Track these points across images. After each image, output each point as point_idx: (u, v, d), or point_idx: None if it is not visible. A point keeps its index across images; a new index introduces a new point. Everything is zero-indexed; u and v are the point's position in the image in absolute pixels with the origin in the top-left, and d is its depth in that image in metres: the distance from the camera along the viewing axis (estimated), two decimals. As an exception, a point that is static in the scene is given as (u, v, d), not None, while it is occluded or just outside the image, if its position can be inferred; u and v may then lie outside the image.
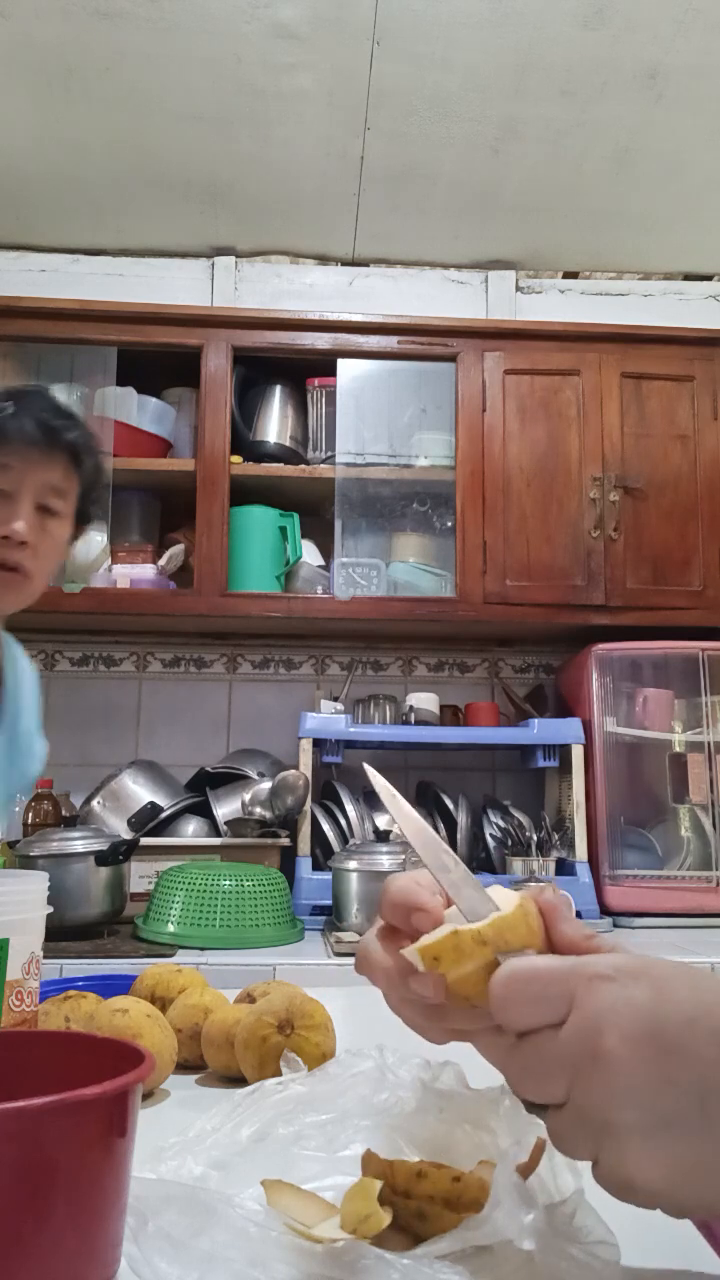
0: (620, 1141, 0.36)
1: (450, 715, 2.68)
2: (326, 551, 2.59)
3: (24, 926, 0.65)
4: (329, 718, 2.45)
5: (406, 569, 2.55)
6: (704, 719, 2.41)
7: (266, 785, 2.24)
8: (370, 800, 2.50)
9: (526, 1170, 0.44)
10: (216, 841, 2.23)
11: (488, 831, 2.48)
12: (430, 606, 2.48)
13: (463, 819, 2.48)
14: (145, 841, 2.14)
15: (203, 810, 2.35)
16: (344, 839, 2.37)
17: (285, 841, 2.27)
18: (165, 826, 2.30)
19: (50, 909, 0.69)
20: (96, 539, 2.46)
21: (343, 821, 2.41)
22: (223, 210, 2.75)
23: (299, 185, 2.65)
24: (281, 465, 2.55)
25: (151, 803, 2.31)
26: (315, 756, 2.41)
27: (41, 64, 2.24)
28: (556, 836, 2.44)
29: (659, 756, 2.45)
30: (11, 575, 1.25)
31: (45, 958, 0.70)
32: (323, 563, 2.59)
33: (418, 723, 2.56)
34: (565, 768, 2.49)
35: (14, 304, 2.53)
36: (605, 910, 2.32)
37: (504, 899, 0.45)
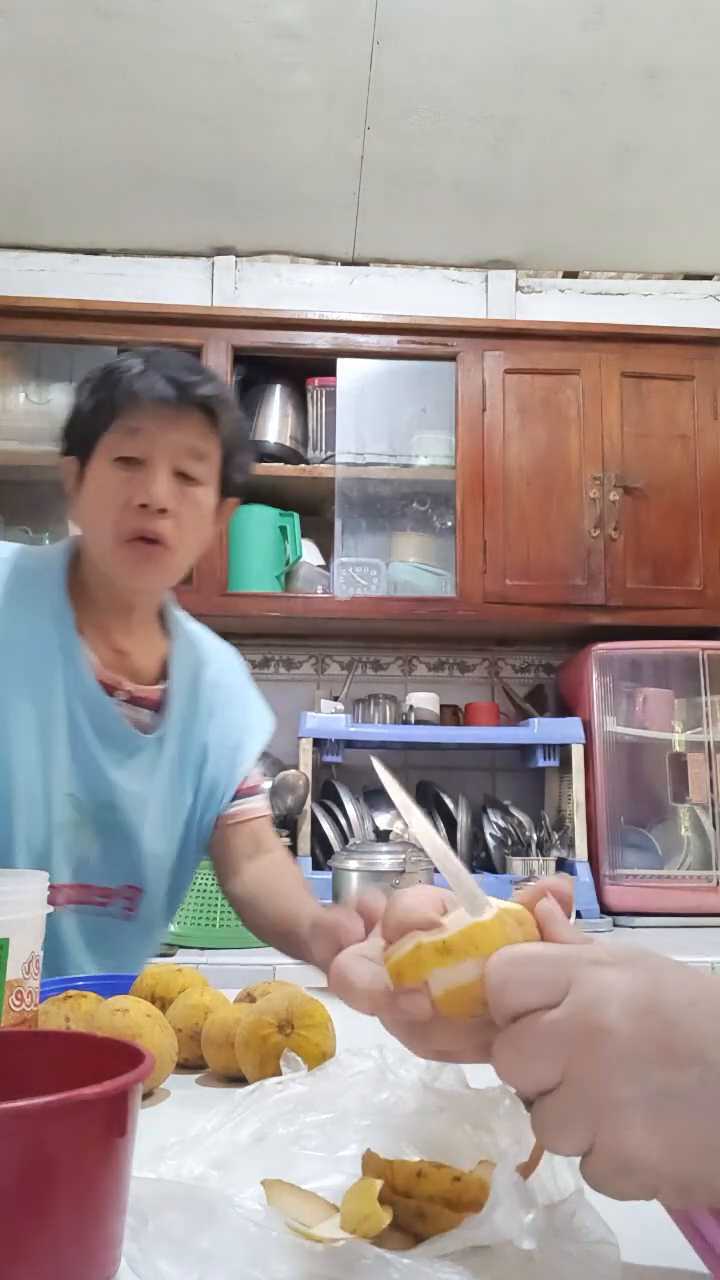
0: (620, 1117, 0.36)
1: (450, 715, 2.68)
2: (326, 551, 2.59)
3: (24, 926, 0.65)
4: (329, 717, 2.45)
5: (406, 569, 2.55)
6: (704, 719, 2.41)
7: (266, 785, 2.24)
8: (370, 800, 2.50)
9: (526, 1170, 0.44)
10: (216, 841, 2.23)
11: (488, 831, 2.48)
12: (430, 606, 2.48)
13: (463, 819, 2.48)
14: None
15: (203, 810, 2.35)
16: (344, 838, 2.37)
17: (285, 841, 2.27)
18: (165, 826, 2.30)
19: (50, 909, 0.69)
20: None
21: (343, 821, 2.41)
22: (223, 210, 2.75)
23: (299, 185, 2.65)
24: (281, 465, 2.55)
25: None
26: (315, 756, 2.41)
27: (42, 64, 2.24)
28: (556, 836, 2.44)
29: (659, 756, 2.45)
30: (151, 548, 1.11)
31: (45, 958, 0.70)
32: (323, 562, 2.59)
33: (418, 722, 2.56)
34: (565, 767, 2.49)
35: (14, 304, 2.53)
36: (605, 910, 2.32)
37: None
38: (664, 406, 2.59)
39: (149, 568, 1.13)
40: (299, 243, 2.92)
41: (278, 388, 2.63)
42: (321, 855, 2.35)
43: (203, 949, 1.87)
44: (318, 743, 2.41)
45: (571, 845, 2.40)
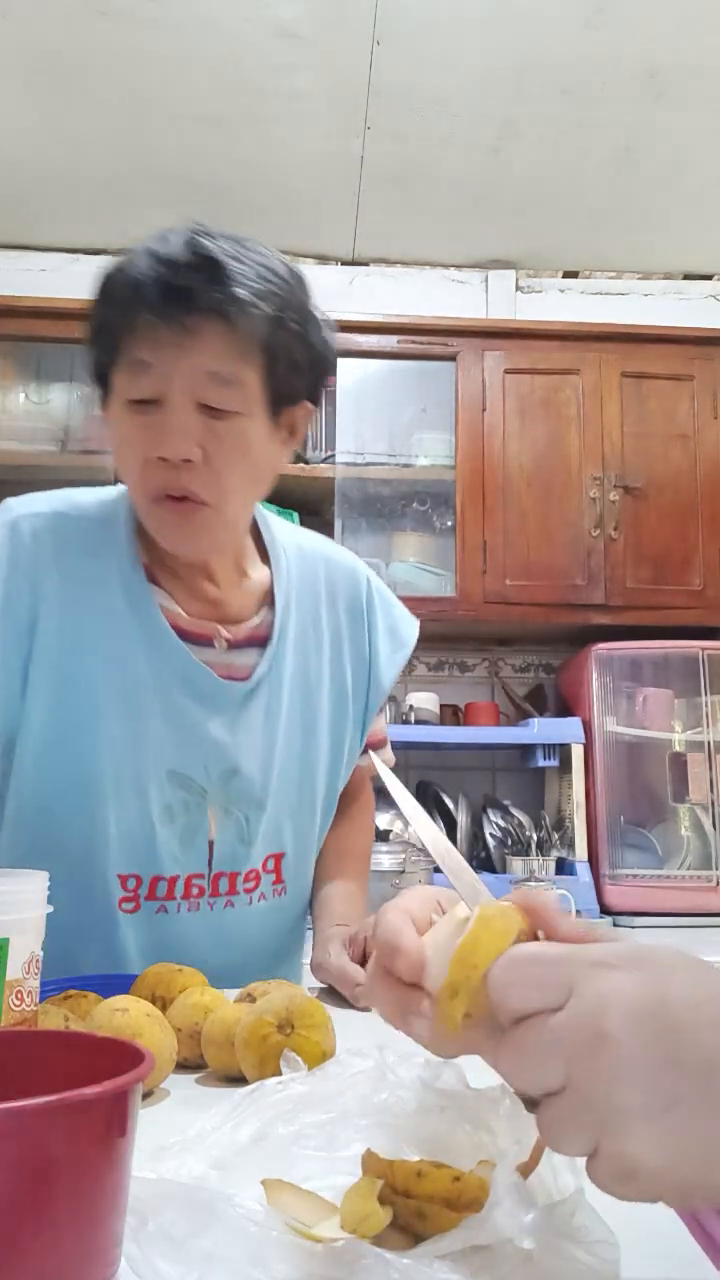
0: (624, 1124, 0.36)
1: (450, 715, 2.68)
2: (326, 551, 2.59)
3: (24, 926, 0.65)
4: (329, 717, 2.44)
5: (406, 568, 2.55)
6: (704, 719, 2.41)
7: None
8: (370, 800, 2.50)
9: (526, 1170, 0.44)
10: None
11: (488, 831, 2.48)
12: (430, 606, 2.48)
13: (463, 819, 2.48)
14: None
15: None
16: (344, 839, 2.37)
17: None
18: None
19: (50, 908, 0.69)
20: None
21: (343, 821, 2.41)
22: (222, 210, 2.75)
23: (299, 185, 2.65)
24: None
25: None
26: (315, 756, 2.41)
27: (42, 64, 2.24)
28: (556, 836, 2.44)
29: (659, 756, 2.45)
30: (182, 506, 0.92)
31: (45, 957, 0.70)
32: (323, 562, 2.59)
33: (417, 722, 2.56)
34: (565, 767, 2.48)
35: (14, 304, 2.53)
36: (605, 910, 2.32)
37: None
38: (664, 406, 2.59)
39: (184, 528, 0.94)
40: (299, 243, 2.92)
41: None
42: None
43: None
44: (318, 743, 2.41)
45: (571, 845, 2.40)
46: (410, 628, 1.20)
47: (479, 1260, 0.40)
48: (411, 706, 2.58)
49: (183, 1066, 0.76)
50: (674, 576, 2.53)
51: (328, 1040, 0.71)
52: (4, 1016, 0.63)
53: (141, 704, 0.99)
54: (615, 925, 2.28)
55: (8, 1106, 0.35)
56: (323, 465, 2.56)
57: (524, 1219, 0.40)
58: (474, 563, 2.49)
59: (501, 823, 2.48)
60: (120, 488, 1.04)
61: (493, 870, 2.43)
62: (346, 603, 1.14)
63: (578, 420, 2.57)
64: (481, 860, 2.48)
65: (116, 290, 0.91)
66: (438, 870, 2.23)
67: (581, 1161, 0.38)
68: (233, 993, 0.83)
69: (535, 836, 2.39)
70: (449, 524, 2.55)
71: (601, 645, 2.46)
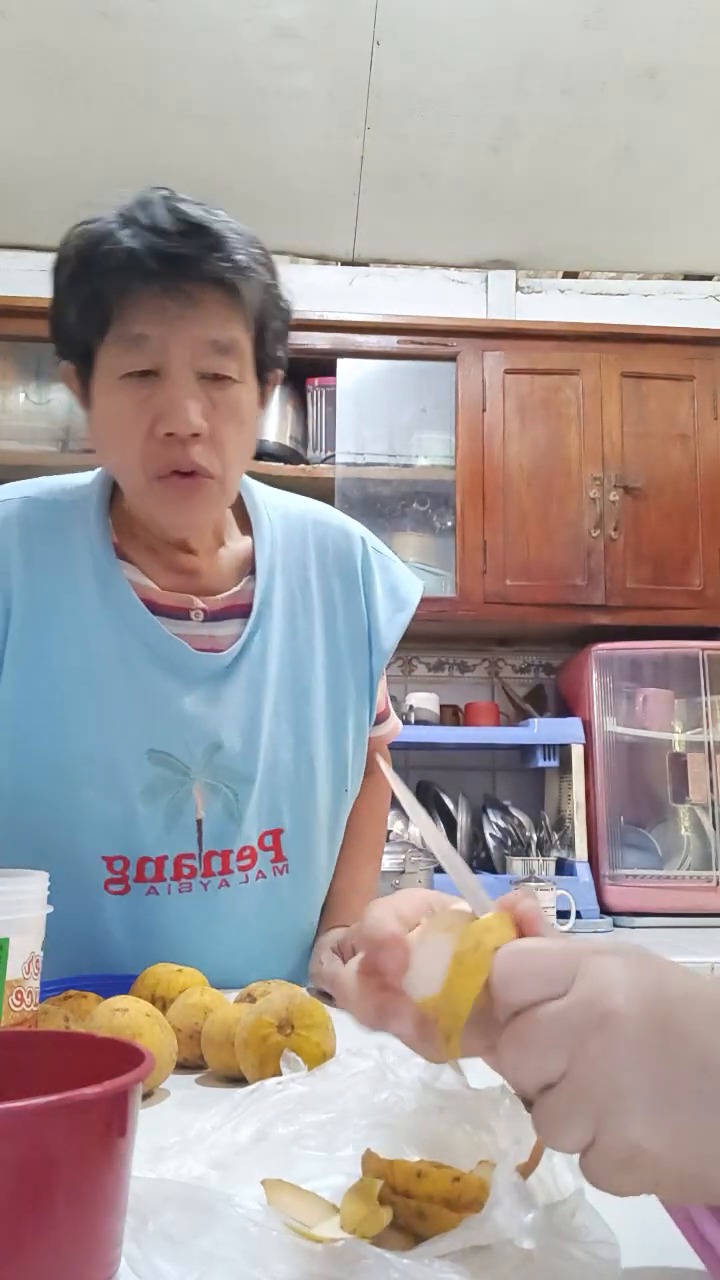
0: (625, 1106, 0.36)
1: (450, 715, 2.68)
2: (326, 551, 2.59)
3: (24, 926, 0.65)
4: (329, 717, 2.44)
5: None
6: (704, 719, 2.41)
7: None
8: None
9: (526, 1170, 0.44)
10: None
11: (488, 831, 2.48)
12: (430, 606, 2.48)
13: (463, 819, 2.48)
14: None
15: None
16: (344, 839, 2.37)
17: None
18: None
19: (50, 908, 0.69)
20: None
21: (343, 821, 2.41)
22: (222, 210, 2.75)
23: (299, 185, 2.65)
24: (281, 465, 2.55)
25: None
26: (315, 756, 2.41)
27: (42, 64, 2.24)
28: (556, 836, 2.44)
29: (659, 756, 2.45)
30: (189, 480, 0.90)
31: (45, 957, 0.70)
32: (323, 562, 2.59)
33: (417, 722, 2.56)
34: (565, 767, 2.49)
35: (14, 304, 2.53)
36: (605, 910, 2.32)
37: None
38: (664, 406, 2.59)
39: (191, 504, 0.92)
40: (299, 243, 2.92)
41: (277, 387, 2.63)
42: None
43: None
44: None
45: (571, 845, 2.40)
46: (412, 587, 1.16)
47: (479, 1260, 0.40)
48: (411, 706, 2.58)
49: (183, 1066, 0.76)
50: (674, 576, 2.53)
51: (328, 1040, 0.71)
52: (4, 1016, 0.63)
53: (108, 682, 0.96)
54: (615, 925, 2.28)
55: (8, 1106, 0.35)
56: (323, 465, 2.56)
57: (524, 1219, 0.40)
58: (474, 563, 2.49)
59: (501, 823, 2.48)
60: (95, 472, 1.03)
61: (493, 870, 2.43)
62: (338, 565, 1.10)
63: (578, 420, 2.57)
64: (481, 860, 2.48)
65: (105, 261, 0.86)
66: (439, 870, 2.24)
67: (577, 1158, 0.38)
68: (233, 993, 0.83)
69: (535, 837, 2.39)
70: (449, 524, 2.55)
71: (601, 645, 2.46)
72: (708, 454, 2.57)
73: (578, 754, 2.43)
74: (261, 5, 2.07)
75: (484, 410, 2.56)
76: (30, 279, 2.88)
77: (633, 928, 2.26)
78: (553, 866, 2.35)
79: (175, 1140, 0.52)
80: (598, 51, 2.18)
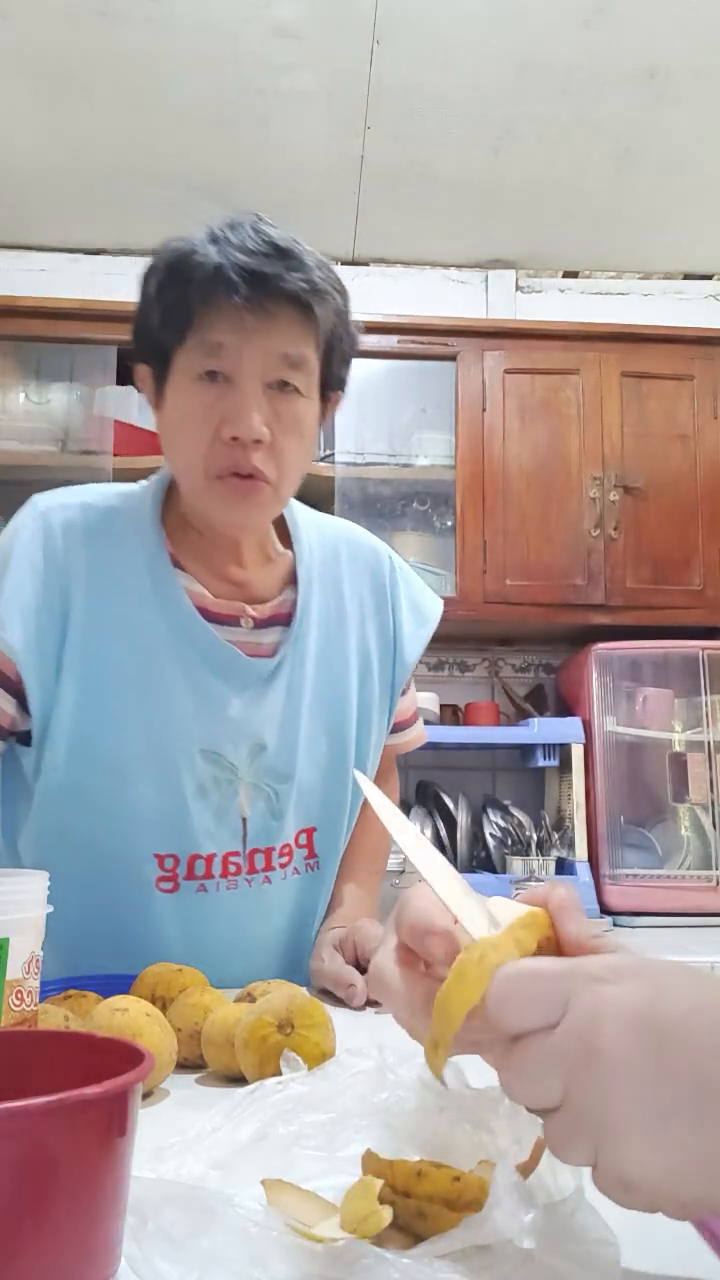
0: (619, 1139, 0.36)
1: (450, 715, 2.68)
2: (326, 551, 2.59)
3: (24, 926, 0.65)
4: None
5: (406, 569, 2.55)
6: (704, 719, 2.41)
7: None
8: (370, 800, 2.50)
9: (526, 1170, 0.44)
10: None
11: (488, 831, 2.48)
12: (430, 606, 2.48)
13: (463, 819, 2.48)
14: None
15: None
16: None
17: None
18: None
19: (50, 908, 0.69)
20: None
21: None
22: (222, 209, 2.75)
23: (299, 185, 2.65)
24: (281, 465, 2.55)
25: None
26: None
27: (43, 64, 2.24)
28: (556, 836, 2.44)
29: (659, 756, 2.45)
30: (246, 483, 0.96)
31: (45, 957, 0.70)
32: (323, 562, 2.59)
33: (418, 722, 2.56)
34: (565, 767, 2.49)
35: (14, 304, 2.53)
36: (605, 910, 2.32)
37: (507, 911, 0.45)
38: (664, 406, 2.59)
39: (246, 505, 0.98)
40: (299, 243, 2.92)
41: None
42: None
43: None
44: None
45: (571, 845, 2.40)
46: (433, 604, 1.24)
47: (479, 1260, 0.40)
48: (411, 706, 2.58)
49: (183, 1066, 0.76)
50: (674, 576, 2.53)
51: (328, 1040, 0.71)
52: (4, 1016, 0.63)
53: (169, 685, 1.01)
54: (615, 925, 2.28)
55: (8, 1106, 0.35)
56: (323, 465, 2.56)
57: (524, 1219, 0.40)
58: (474, 563, 2.49)
59: (501, 823, 2.48)
60: (150, 480, 1.09)
61: (493, 870, 2.43)
62: (369, 581, 1.17)
63: (578, 420, 2.57)
64: (481, 860, 2.48)
65: (192, 273, 0.93)
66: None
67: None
68: (233, 993, 0.83)
69: (535, 836, 2.39)
70: (449, 524, 2.55)
71: (601, 645, 2.46)
72: (708, 454, 2.57)
73: (578, 754, 2.43)
74: (261, 5, 2.07)
75: (484, 410, 2.56)
76: (30, 279, 2.88)
77: (632, 928, 2.26)
78: (553, 866, 2.35)
79: (175, 1140, 0.52)
80: (598, 51, 2.18)
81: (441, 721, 2.63)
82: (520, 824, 2.46)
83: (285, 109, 2.37)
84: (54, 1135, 0.36)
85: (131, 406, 2.51)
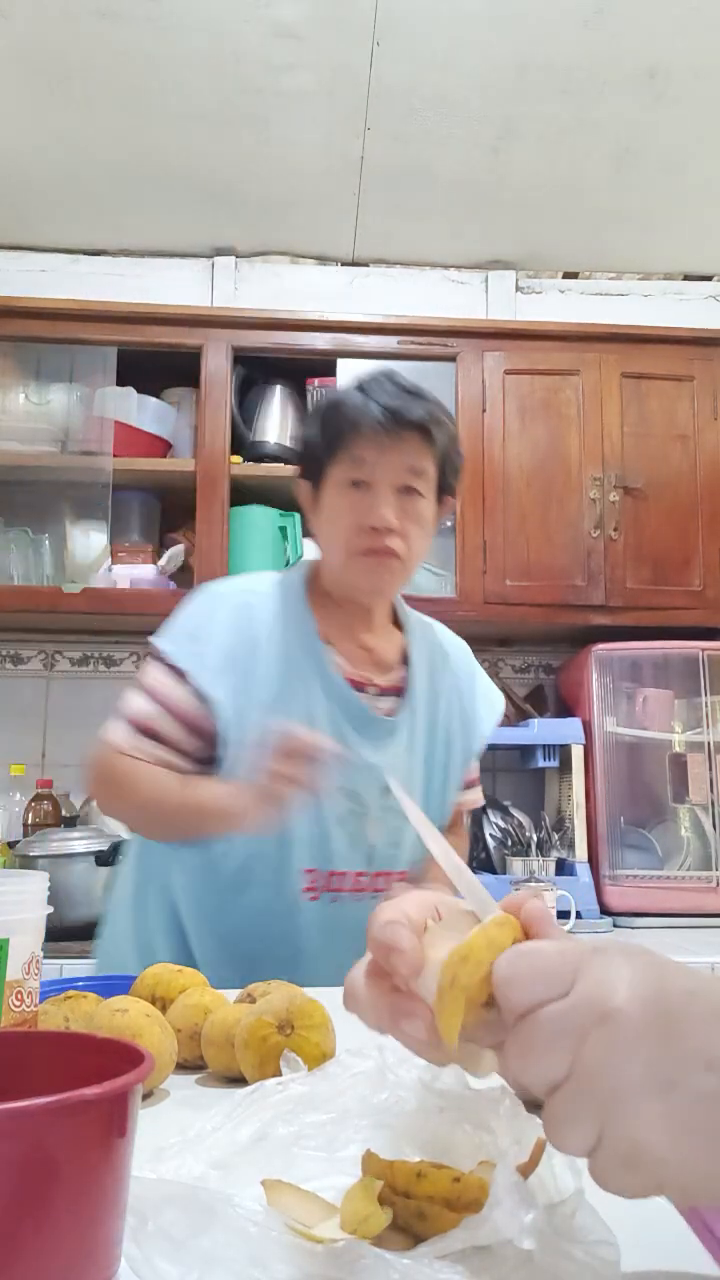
0: (629, 1104, 0.36)
1: (450, 715, 2.68)
2: (326, 551, 2.59)
3: (24, 926, 0.65)
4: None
5: (406, 569, 2.55)
6: (704, 719, 2.41)
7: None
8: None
9: (526, 1170, 0.44)
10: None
11: (488, 831, 2.48)
12: (430, 606, 2.46)
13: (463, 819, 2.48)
14: (145, 841, 2.14)
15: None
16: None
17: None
18: (165, 826, 2.30)
19: (50, 909, 0.69)
20: (96, 539, 2.46)
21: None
22: (222, 210, 2.75)
23: (299, 185, 2.65)
24: (281, 465, 2.55)
25: (151, 803, 2.31)
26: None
27: (42, 64, 2.24)
28: (556, 836, 2.44)
29: (659, 756, 2.45)
30: (383, 558, 1.27)
31: (45, 958, 0.70)
32: (323, 563, 2.59)
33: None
34: (565, 768, 2.48)
35: (14, 304, 2.53)
36: (605, 910, 2.32)
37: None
38: (664, 406, 2.59)
39: (381, 575, 1.28)
40: (299, 243, 2.92)
41: (278, 388, 2.63)
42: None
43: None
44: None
45: (571, 846, 2.40)
46: (499, 696, 1.49)
47: (479, 1260, 0.40)
48: (411, 707, 2.58)
49: (183, 1067, 0.76)
50: (674, 577, 2.53)
51: (327, 1041, 0.71)
52: (4, 1016, 0.63)
53: (320, 733, 1.24)
54: (615, 926, 2.28)
55: (8, 1107, 0.35)
56: (323, 465, 2.55)
57: (524, 1219, 0.40)
58: (474, 563, 2.49)
59: (501, 823, 2.48)
60: (296, 568, 1.40)
61: (493, 871, 2.43)
62: (458, 667, 1.44)
63: (578, 421, 2.57)
64: (481, 861, 2.48)
65: (347, 412, 1.25)
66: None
67: (582, 1162, 0.38)
68: (233, 993, 0.83)
69: (535, 837, 2.39)
70: (449, 524, 2.55)
71: (601, 646, 2.46)
72: (708, 454, 2.57)
73: (578, 754, 2.43)
74: (261, 5, 2.07)
75: (484, 411, 2.56)
76: (30, 279, 2.88)
77: (633, 928, 2.26)
78: (553, 867, 2.35)
79: (175, 1140, 0.52)
80: (598, 51, 2.18)
81: (441, 722, 2.63)
82: (520, 825, 2.46)
83: (285, 109, 2.37)
84: (54, 1136, 0.36)
85: (131, 407, 2.51)
